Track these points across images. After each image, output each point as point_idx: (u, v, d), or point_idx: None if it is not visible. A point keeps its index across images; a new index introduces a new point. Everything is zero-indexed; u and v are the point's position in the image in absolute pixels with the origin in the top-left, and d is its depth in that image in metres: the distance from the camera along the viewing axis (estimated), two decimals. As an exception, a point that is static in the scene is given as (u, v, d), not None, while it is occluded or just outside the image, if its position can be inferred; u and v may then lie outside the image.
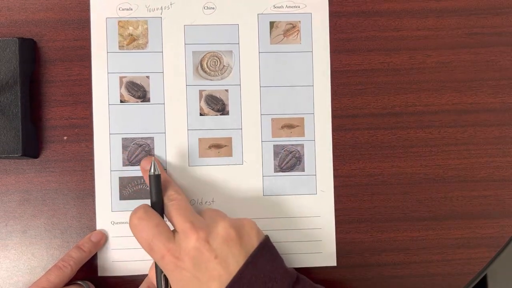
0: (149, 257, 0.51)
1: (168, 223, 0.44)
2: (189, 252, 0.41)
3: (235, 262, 0.41)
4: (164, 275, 0.44)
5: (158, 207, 0.46)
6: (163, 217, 0.45)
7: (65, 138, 0.52)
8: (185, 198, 0.45)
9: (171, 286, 0.43)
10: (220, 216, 0.44)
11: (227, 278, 0.40)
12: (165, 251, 0.41)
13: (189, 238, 0.41)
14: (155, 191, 0.46)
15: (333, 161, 0.53)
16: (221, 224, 0.42)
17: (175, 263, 0.41)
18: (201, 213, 0.45)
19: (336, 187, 0.53)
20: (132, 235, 0.44)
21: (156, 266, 0.44)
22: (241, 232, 0.43)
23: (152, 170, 0.46)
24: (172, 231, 0.43)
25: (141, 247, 0.44)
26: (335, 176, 0.53)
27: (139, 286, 0.50)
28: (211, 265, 0.41)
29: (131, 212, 0.45)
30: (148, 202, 0.46)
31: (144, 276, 0.51)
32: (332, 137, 0.53)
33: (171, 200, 0.44)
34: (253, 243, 0.43)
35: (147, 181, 0.48)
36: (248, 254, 0.42)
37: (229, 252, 0.41)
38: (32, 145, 0.50)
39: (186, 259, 0.41)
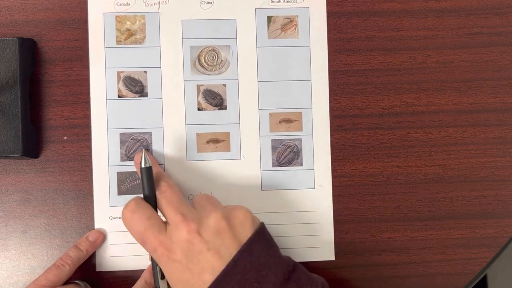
0: (146, 252, 0.51)
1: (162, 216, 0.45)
2: (181, 244, 0.41)
3: (227, 253, 0.41)
4: (160, 268, 0.44)
5: (151, 200, 0.45)
6: (156, 210, 0.45)
7: (65, 138, 0.52)
8: (177, 190, 0.45)
9: (166, 278, 0.44)
10: (212, 205, 0.44)
11: (220, 268, 0.40)
12: (157, 244, 0.42)
13: (180, 230, 0.41)
14: (147, 184, 0.46)
15: (333, 161, 0.53)
16: (212, 215, 0.42)
17: (167, 256, 0.41)
18: (193, 201, 0.46)
19: (336, 187, 0.53)
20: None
21: (152, 258, 0.45)
22: (234, 223, 0.42)
23: (143, 163, 0.46)
24: (165, 223, 0.43)
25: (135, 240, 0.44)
26: (335, 176, 0.53)
27: (136, 281, 0.50)
28: (203, 256, 0.41)
29: None
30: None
31: (142, 271, 0.51)
32: (332, 137, 0.53)
33: (163, 193, 0.44)
34: (247, 232, 0.42)
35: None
36: (241, 244, 0.41)
37: (221, 243, 0.41)
38: (32, 145, 0.50)
39: (178, 251, 0.41)
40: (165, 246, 0.41)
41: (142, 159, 0.46)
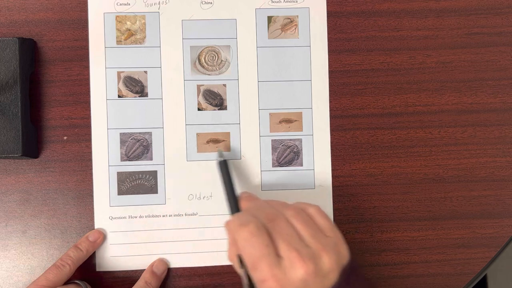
0: (146, 252, 0.51)
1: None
2: (294, 283, 0.40)
3: (330, 285, 0.41)
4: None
5: (233, 197, 0.46)
6: (238, 209, 0.46)
7: (65, 138, 0.52)
8: (283, 217, 0.43)
9: None
10: (317, 240, 0.41)
11: None
12: (269, 276, 0.40)
13: (297, 269, 0.39)
14: (227, 180, 0.46)
15: (333, 161, 0.53)
16: (326, 257, 0.40)
17: None
18: (283, 209, 0.43)
19: (336, 187, 0.53)
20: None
21: (250, 281, 0.43)
22: (340, 260, 0.42)
23: (218, 157, 0.46)
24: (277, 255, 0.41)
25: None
26: (335, 176, 0.53)
27: (136, 281, 0.50)
28: None
29: (232, 219, 0.43)
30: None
31: (142, 271, 0.51)
32: (332, 137, 0.53)
33: (271, 221, 0.42)
34: (345, 263, 0.42)
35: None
36: (341, 274, 0.41)
37: (329, 279, 0.41)
38: (32, 145, 0.50)
39: None
40: (278, 281, 0.40)
41: (218, 154, 0.47)
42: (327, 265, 0.40)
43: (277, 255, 0.40)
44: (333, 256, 0.41)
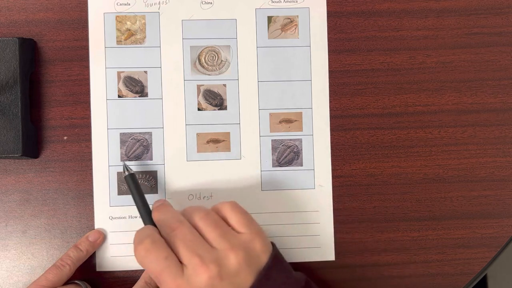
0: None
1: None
2: None
3: (246, 285, 0.39)
4: None
5: (145, 209, 0.46)
6: (151, 221, 0.44)
7: (65, 138, 0.52)
8: (187, 224, 0.42)
9: None
10: (225, 238, 0.40)
11: None
12: (174, 287, 0.39)
13: (200, 276, 0.39)
14: (136, 192, 0.46)
15: (333, 161, 0.53)
16: (232, 256, 0.39)
17: None
18: (195, 222, 0.42)
19: (336, 187, 0.53)
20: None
21: None
22: (252, 256, 0.40)
23: (125, 171, 0.46)
24: (181, 263, 0.40)
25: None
26: (335, 176, 0.53)
27: (136, 281, 0.50)
28: None
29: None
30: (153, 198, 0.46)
31: (142, 271, 0.51)
32: (332, 137, 0.53)
33: (174, 230, 0.41)
34: (263, 259, 0.41)
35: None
36: (258, 271, 0.40)
37: (240, 280, 0.39)
38: (32, 145, 0.50)
39: None
40: None
41: (124, 168, 0.47)
42: (234, 265, 0.39)
43: (181, 264, 0.39)
44: (241, 253, 0.40)
